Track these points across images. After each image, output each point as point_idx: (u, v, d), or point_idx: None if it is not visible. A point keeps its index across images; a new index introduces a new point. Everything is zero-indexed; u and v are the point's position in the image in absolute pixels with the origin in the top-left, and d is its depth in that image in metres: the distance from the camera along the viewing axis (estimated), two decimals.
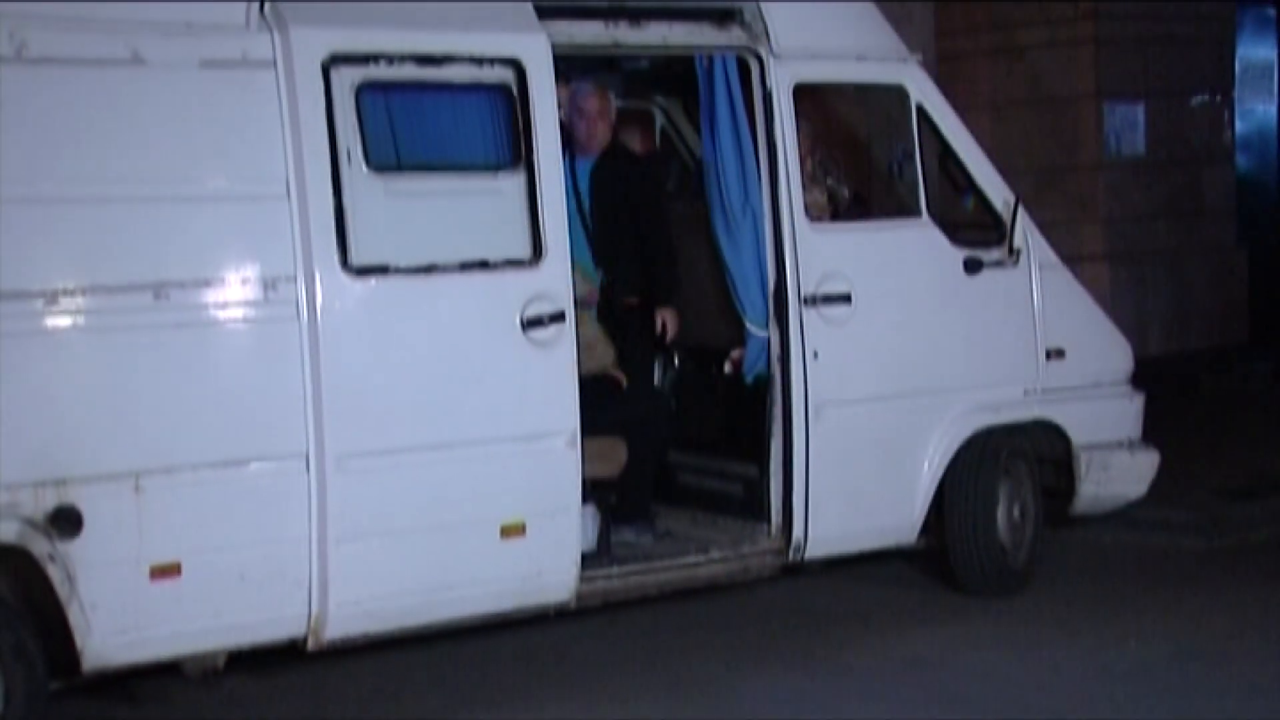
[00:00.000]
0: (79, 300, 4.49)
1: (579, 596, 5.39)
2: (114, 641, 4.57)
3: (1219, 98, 11.54)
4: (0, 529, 4.40)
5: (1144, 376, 6.87)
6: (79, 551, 4.48)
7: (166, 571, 4.61)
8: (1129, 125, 11.00)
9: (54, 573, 4.46)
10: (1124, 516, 6.91)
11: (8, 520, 4.40)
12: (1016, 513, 6.33)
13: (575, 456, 5.26)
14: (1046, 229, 6.58)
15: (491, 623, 5.37)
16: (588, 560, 5.44)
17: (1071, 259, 6.93)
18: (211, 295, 4.71)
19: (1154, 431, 6.77)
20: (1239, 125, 11.82)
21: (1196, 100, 11.40)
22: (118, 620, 4.56)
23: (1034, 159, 10.64)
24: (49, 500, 4.44)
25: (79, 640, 4.53)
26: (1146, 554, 6.98)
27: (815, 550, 5.87)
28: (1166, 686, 5.27)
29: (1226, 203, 11.67)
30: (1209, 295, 11.44)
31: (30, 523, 4.42)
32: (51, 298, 4.46)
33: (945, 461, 6.09)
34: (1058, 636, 5.84)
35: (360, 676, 5.47)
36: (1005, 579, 6.32)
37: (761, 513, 5.87)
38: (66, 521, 4.45)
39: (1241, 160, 11.97)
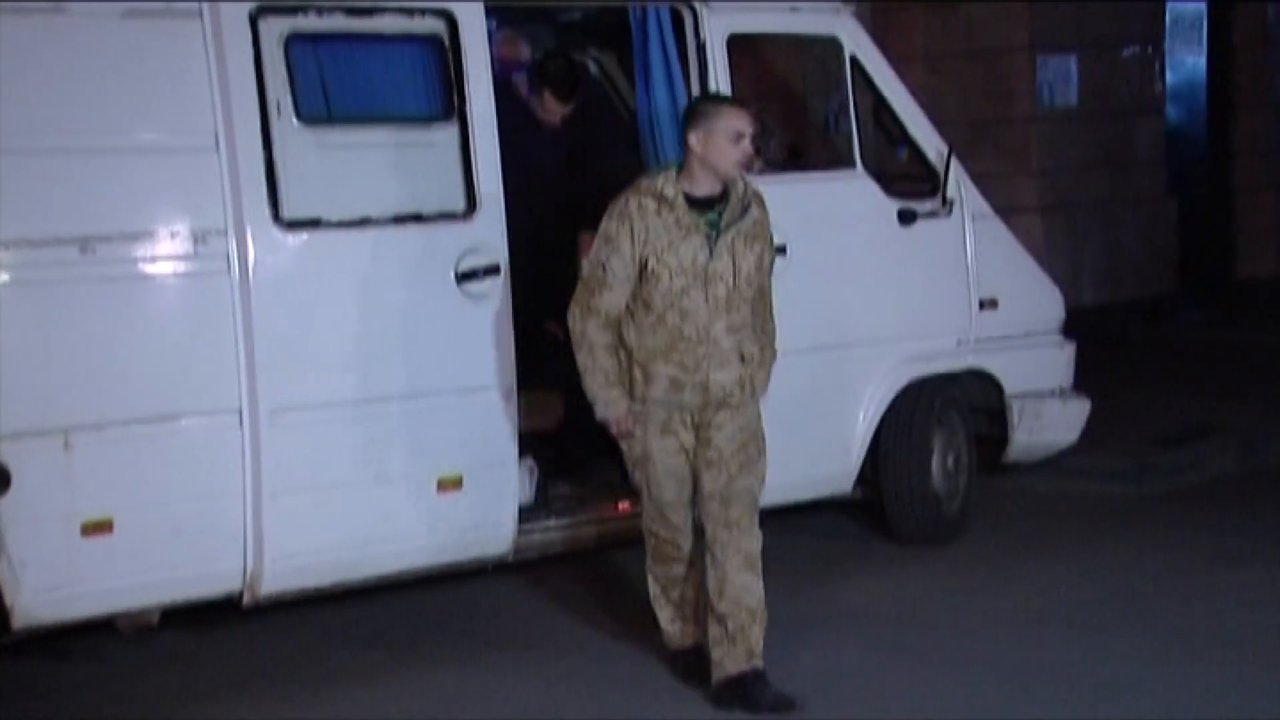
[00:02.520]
0: (3, 255, 4.43)
1: (516, 549, 5.41)
2: (45, 599, 4.54)
3: (1149, 49, 11.63)
4: None
5: (1076, 326, 6.96)
6: (8, 508, 4.44)
7: (98, 528, 4.58)
8: (1062, 77, 11.06)
9: None
10: (1056, 464, 7.01)
11: None
12: (951, 462, 6.41)
13: (512, 410, 5.26)
14: (981, 181, 6.63)
15: (429, 577, 5.39)
16: (525, 513, 5.45)
17: (1005, 210, 6.99)
18: (140, 249, 4.67)
19: (1086, 380, 6.87)
20: (1169, 76, 11.93)
21: (1128, 52, 11.49)
22: (48, 577, 4.53)
23: (968, 111, 10.69)
24: None
25: (8, 598, 4.50)
26: (1078, 500, 7.09)
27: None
28: (1096, 628, 5.37)
29: (1157, 153, 11.78)
30: (1140, 245, 11.57)
31: None
32: None
33: (880, 412, 6.15)
34: (991, 583, 5.93)
35: (297, 632, 5.47)
36: (940, 528, 6.40)
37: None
38: None
39: (1171, 111, 12.09)
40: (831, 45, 6.13)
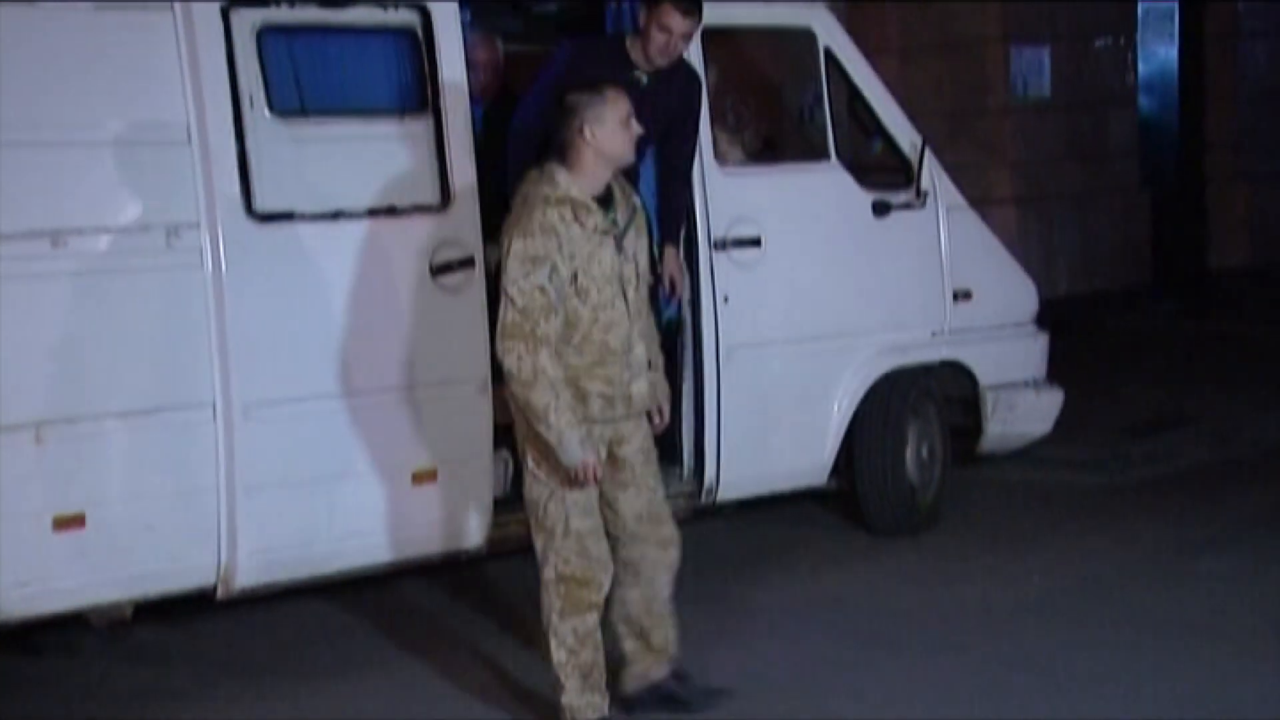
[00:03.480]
0: None
1: (491, 542, 5.39)
2: (17, 594, 4.51)
3: (1122, 40, 11.68)
4: None
5: (1050, 317, 6.98)
6: None
7: (70, 522, 4.55)
8: (1035, 68, 11.10)
9: None
10: (1029, 454, 7.04)
11: None
12: (925, 452, 6.42)
13: (487, 403, 5.24)
14: (955, 172, 6.64)
15: (405, 569, 5.37)
16: (500, 506, 5.43)
17: (980, 202, 7.01)
18: (112, 243, 4.63)
19: (1059, 371, 6.89)
20: (1142, 68, 11.97)
21: (1100, 43, 11.53)
22: (20, 572, 4.49)
23: (943, 102, 10.72)
24: None
25: None
26: (1051, 491, 7.11)
27: (727, 493, 5.92)
28: (1067, 618, 5.39)
29: (1130, 145, 11.83)
30: (1114, 237, 11.62)
31: None
32: None
33: (855, 403, 6.15)
34: (965, 573, 5.95)
35: (271, 626, 5.45)
36: (914, 518, 6.41)
37: (674, 456, 5.88)
38: None
39: (1144, 102, 12.14)
40: (805, 38, 6.12)
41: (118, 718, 4.70)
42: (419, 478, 5.13)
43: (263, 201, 4.81)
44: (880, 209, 6.16)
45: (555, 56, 5.33)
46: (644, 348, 4.37)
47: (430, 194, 5.12)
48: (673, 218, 5.54)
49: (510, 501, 5.57)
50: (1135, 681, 4.79)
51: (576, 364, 4.21)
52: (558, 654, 4.30)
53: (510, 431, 5.42)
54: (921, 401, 6.38)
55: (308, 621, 5.49)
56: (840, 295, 6.08)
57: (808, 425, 6.07)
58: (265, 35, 4.85)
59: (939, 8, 10.97)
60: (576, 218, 4.16)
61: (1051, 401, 6.75)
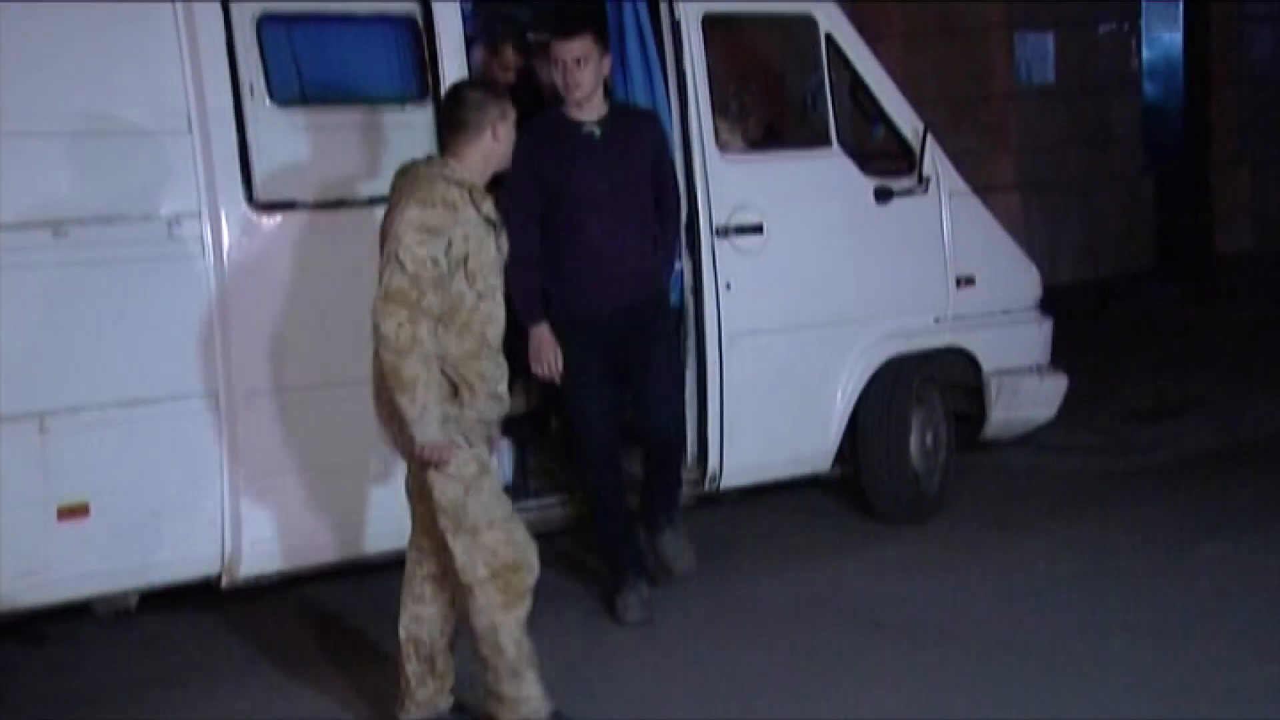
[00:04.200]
0: None
1: None
2: (21, 583, 4.52)
3: (1126, 26, 11.65)
4: None
5: (1054, 303, 6.97)
6: None
7: (74, 512, 4.56)
8: (1039, 54, 11.08)
9: None
10: (1033, 440, 7.02)
11: None
12: (929, 439, 6.40)
13: None
14: (959, 159, 6.62)
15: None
16: (509, 492, 5.42)
17: (984, 188, 6.99)
18: (113, 233, 4.62)
19: (1063, 357, 6.88)
20: (1146, 53, 11.94)
21: (1104, 29, 11.50)
22: (24, 562, 4.50)
23: (946, 89, 10.69)
24: None
25: None
26: (1055, 476, 7.10)
27: (731, 480, 5.91)
28: (1071, 603, 5.38)
29: (1134, 130, 11.81)
30: (1117, 223, 11.60)
31: None
32: None
33: (858, 390, 6.13)
34: (969, 560, 5.94)
35: (275, 616, 5.45)
36: (918, 505, 6.40)
37: None
38: None
39: (1148, 88, 12.11)
40: (807, 24, 6.10)
41: (121, 707, 4.70)
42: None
43: (264, 191, 4.81)
44: (882, 195, 6.15)
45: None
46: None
47: None
48: (668, 249, 5.41)
49: (514, 489, 5.60)
50: (1141, 666, 4.78)
51: (455, 352, 4.06)
52: (510, 650, 4.12)
53: (513, 419, 5.47)
54: (925, 388, 6.36)
55: (312, 610, 5.49)
56: (843, 282, 6.07)
57: (811, 412, 6.06)
58: (265, 24, 4.84)
59: None
60: (472, 200, 4.06)
61: (1055, 387, 6.74)
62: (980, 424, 6.58)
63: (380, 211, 4.96)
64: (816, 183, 6.04)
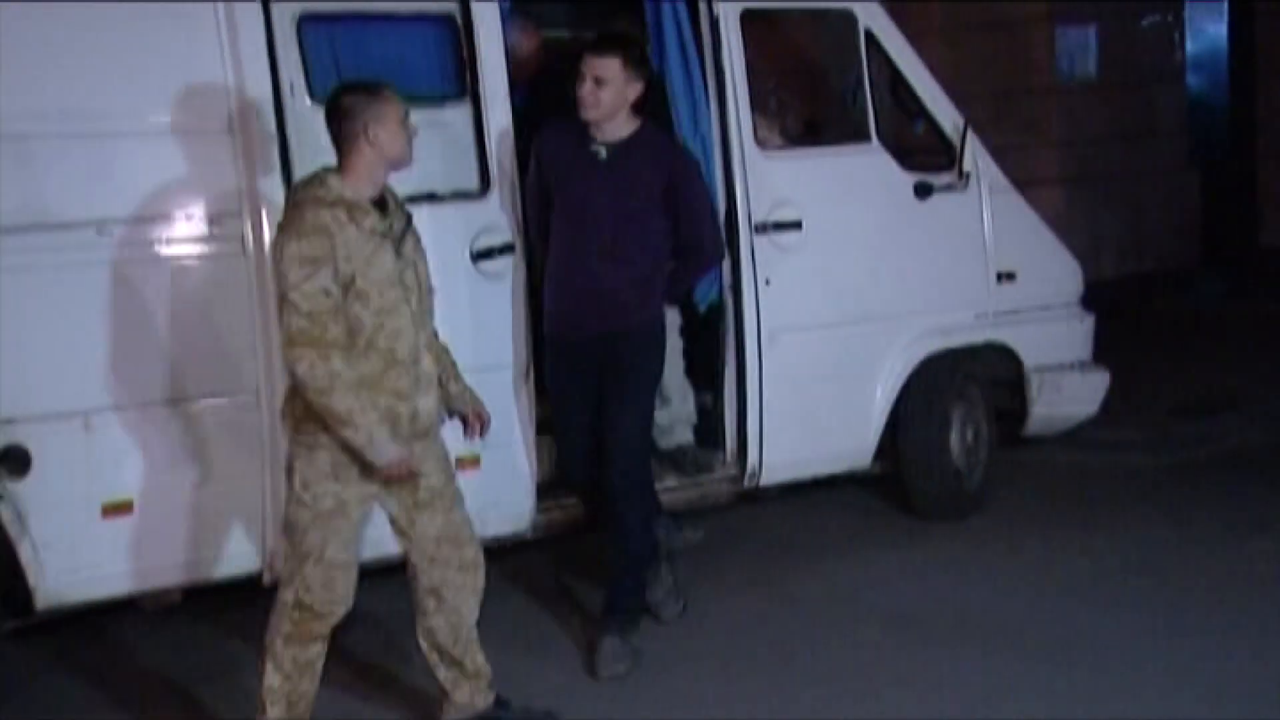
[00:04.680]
0: (21, 238, 4.43)
1: (534, 526, 5.42)
2: (67, 580, 4.57)
3: (1170, 18, 11.54)
4: None
5: (1097, 299, 6.92)
6: (29, 490, 4.47)
7: (119, 509, 4.60)
8: (1081, 48, 10.99)
9: (4, 512, 4.45)
10: (1076, 436, 6.98)
11: None
12: (970, 435, 6.38)
13: (529, 388, 5.26)
14: (1001, 153, 6.58)
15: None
16: (543, 490, 5.45)
17: (1026, 183, 6.94)
18: (155, 231, 4.66)
19: (1107, 353, 6.83)
20: (1190, 45, 11.83)
21: (1148, 21, 11.40)
22: (70, 558, 4.55)
23: (987, 84, 10.63)
24: None
25: (32, 579, 4.53)
26: (1098, 473, 7.05)
27: (770, 477, 5.90)
28: (1117, 601, 5.35)
29: (1178, 123, 11.70)
30: (1161, 217, 11.50)
31: None
32: None
33: (898, 386, 6.12)
34: (1011, 556, 5.91)
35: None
36: (959, 502, 6.38)
37: (716, 440, 5.89)
38: (14, 461, 4.44)
39: (1192, 81, 11.99)
40: (847, 20, 6.08)
41: (165, 702, 4.74)
42: (463, 463, 5.11)
43: None
44: (922, 191, 6.13)
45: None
46: (431, 361, 4.15)
47: (470, 181, 5.13)
48: (674, 285, 5.17)
49: (554, 486, 5.62)
50: (1186, 664, 4.75)
51: (362, 373, 3.97)
52: (271, 678, 4.09)
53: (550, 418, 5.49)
54: (965, 384, 6.34)
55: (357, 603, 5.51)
56: (882, 278, 6.05)
57: (850, 409, 6.05)
58: (305, 24, 4.88)
59: None
60: (352, 218, 3.94)
61: (1098, 382, 6.69)
62: (1022, 420, 6.55)
63: (419, 210, 5.01)
64: (856, 179, 6.02)
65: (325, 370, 3.88)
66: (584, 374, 5.02)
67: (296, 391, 4.01)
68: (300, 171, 4.80)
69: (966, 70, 10.23)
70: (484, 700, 4.41)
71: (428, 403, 4.13)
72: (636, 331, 4.97)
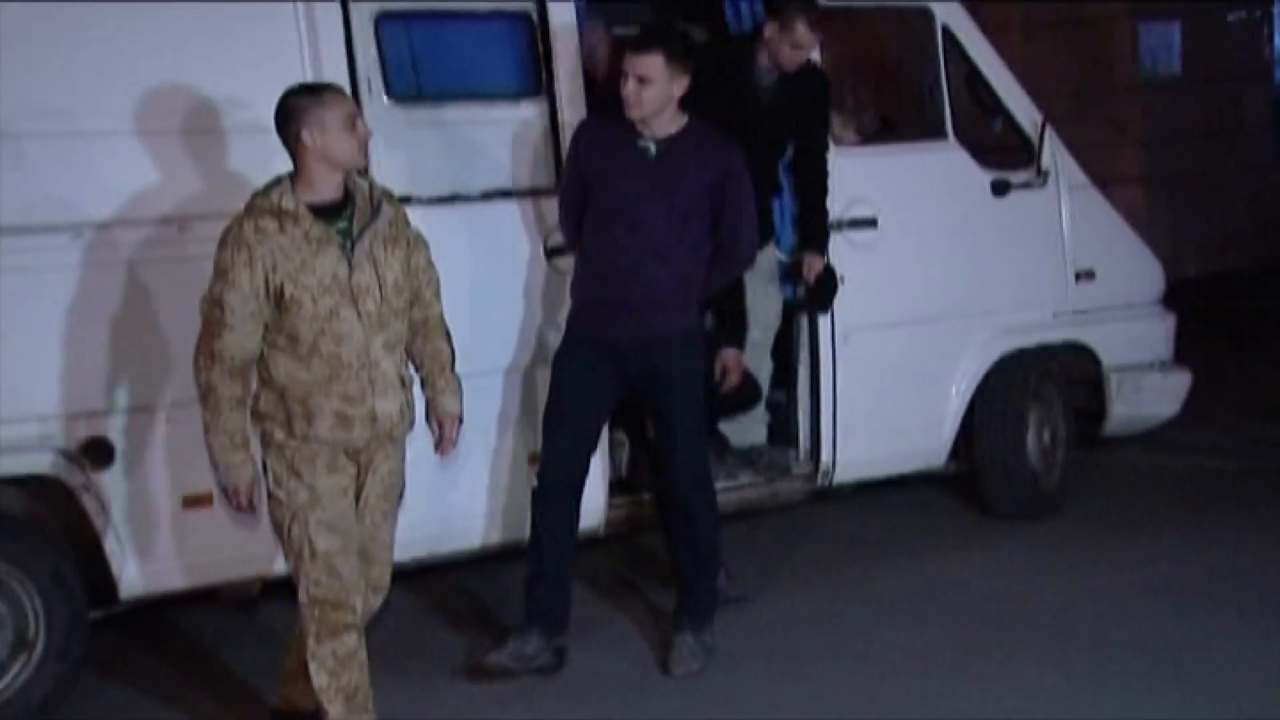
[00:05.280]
0: (108, 234, 4.53)
1: (607, 523, 5.44)
2: (149, 570, 4.66)
3: (1257, 13, 11.35)
4: (35, 460, 4.47)
5: (1179, 299, 6.84)
6: (112, 482, 4.56)
7: (199, 501, 4.67)
8: (1164, 44, 10.84)
9: (88, 503, 4.54)
10: (1156, 438, 6.91)
11: (42, 451, 4.48)
12: (1047, 436, 6.33)
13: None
14: (1081, 151, 6.53)
15: (519, 551, 5.42)
16: (615, 488, 5.47)
17: (1107, 181, 6.88)
18: None
19: (1189, 353, 6.75)
20: (1278, 41, 11.62)
21: (1234, 17, 11.22)
22: (152, 549, 4.64)
23: (1068, 81, 10.49)
24: (81, 432, 4.51)
25: (115, 569, 4.62)
26: (1179, 475, 6.97)
27: (844, 475, 5.89)
28: (1197, 605, 5.28)
29: (1264, 121, 11.49)
30: (1247, 216, 11.30)
31: (64, 454, 4.49)
32: (78, 232, 4.51)
33: (974, 385, 6.08)
34: (1088, 559, 5.86)
35: (393, 603, 5.53)
36: (1036, 502, 6.32)
37: (790, 439, 5.89)
38: (98, 452, 4.53)
39: None
40: (923, 16, 6.06)
41: (242, 691, 4.81)
42: (536, 459, 5.17)
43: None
44: (1000, 188, 6.08)
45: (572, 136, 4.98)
46: (394, 363, 4.09)
47: (545, 177, 5.16)
48: (706, 287, 4.95)
49: (626, 483, 5.64)
50: (1268, 671, 4.68)
51: (306, 379, 3.96)
52: (319, 678, 4.08)
53: (626, 412, 5.51)
54: (1043, 383, 6.28)
55: (436, 596, 5.57)
56: (958, 276, 6.01)
57: (925, 407, 6.02)
58: (383, 22, 4.93)
59: None
60: (282, 228, 3.93)
61: (1179, 383, 6.61)
62: (1101, 420, 6.49)
63: (494, 206, 5.09)
64: (932, 176, 6.00)
65: (204, 379, 3.97)
66: (606, 376, 4.83)
67: (258, 391, 4.04)
68: (376, 168, 4.86)
69: (1046, 68, 10.11)
70: (307, 704, 4.24)
71: (387, 405, 4.07)
72: (677, 337, 4.81)
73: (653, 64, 4.64)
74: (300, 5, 4.80)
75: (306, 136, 3.96)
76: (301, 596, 4.09)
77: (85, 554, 4.61)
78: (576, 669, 4.86)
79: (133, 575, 4.65)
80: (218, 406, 3.96)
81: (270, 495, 4.08)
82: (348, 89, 4.81)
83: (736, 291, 5.29)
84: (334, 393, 3.99)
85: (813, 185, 5.58)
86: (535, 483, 4.88)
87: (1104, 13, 10.74)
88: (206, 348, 3.96)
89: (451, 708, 4.70)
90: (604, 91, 5.69)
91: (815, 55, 5.54)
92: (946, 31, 6.05)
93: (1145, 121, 10.84)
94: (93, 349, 4.49)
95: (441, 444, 4.39)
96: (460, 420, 4.37)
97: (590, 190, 4.80)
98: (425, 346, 4.28)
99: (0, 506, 4.57)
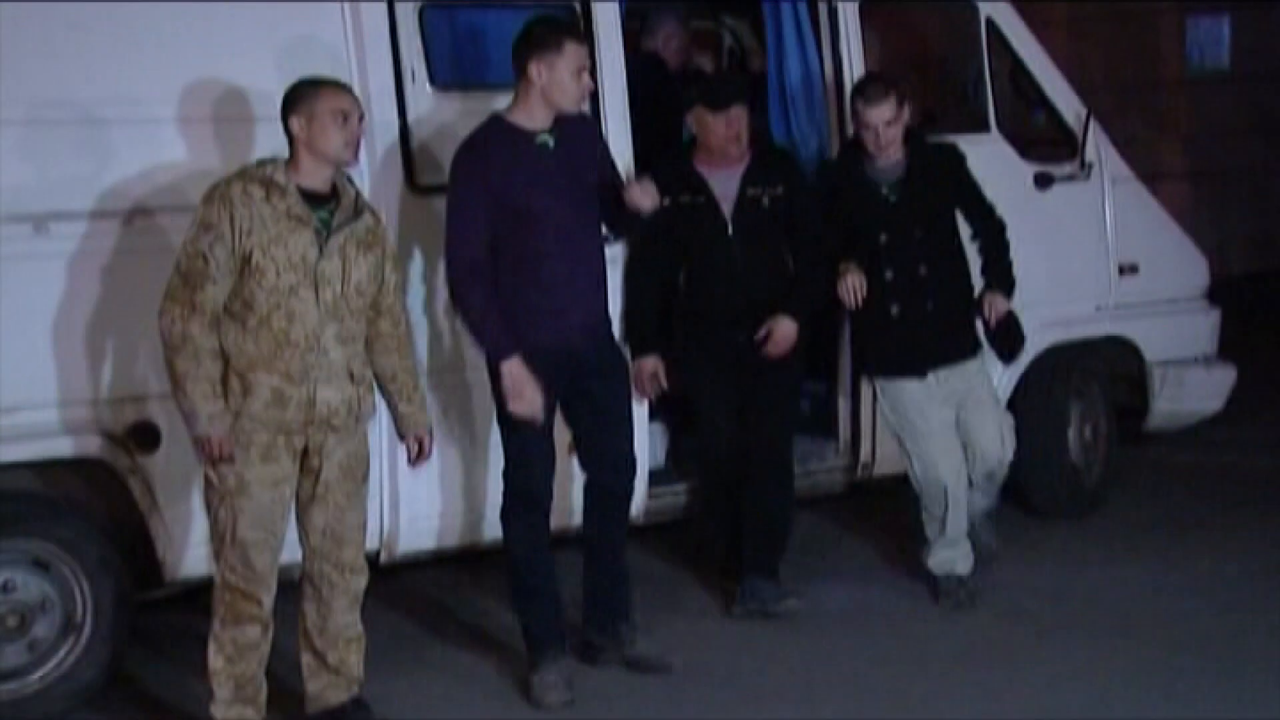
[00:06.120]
0: (152, 221, 4.60)
1: (647, 513, 5.47)
2: (194, 553, 4.71)
3: None
4: (83, 443, 4.56)
5: (1225, 295, 6.80)
6: (158, 465, 4.63)
7: None
8: (1213, 38, 10.77)
9: (135, 486, 4.62)
10: (1200, 435, 6.88)
11: (90, 435, 4.56)
12: (1088, 431, 6.30)
13: (639, 375, 5.30)
14: (1127, 146, 6.52)
15: (561, 539, 5.46)
16: (655, 477, 5.50)
17: (1152, 176, 6.87)
18: None
19: (1233, 349, 6.71)
20: None
21: None
22: (197, 533, 4.69)
23: (1114, 75, 10.47)
24: (128, 416, 4.59)
25: (161, 552, 4.69)
26: (1221, 472, 6.93)
27: (883, 467, 5.90)
28: (1239, 603, 5.27)
29: None
30: None
31: (111, 438, 4.57)
32: (127, 219, 4.59)
33: (1014, 379, 6.07)
34: (1130, 555, 5.85)
35: (432, 584, 5.59)
36: (1077, 498, 6.31)
37: (830, 430, 5.91)
38: (145, 436, 4.60)
39: None
40: (967, 9, 6.06)
41: (286, 678, 4.87)
42: (573, 449, 5.21)
43: (424, 174, 4.94)
44: (1043, 181, 6.08)
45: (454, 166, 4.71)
46: (345, 355, 4.17)
47: None
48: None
49: (666, 472, 5.67)
50: None
51: (252, 351, 4.07)
52: (214, 660, 4.18)
53: (665, 402, 5.54)
54: (1084, 378, 6.27)
55: (475, 583, 5.61)
56: None
57: None
58: (427, 12, 4.99)
59: None
60: (268, 198, 4.06)
61: (1223, 378, 6.58)
62: (1143, 416, 6.46)
63: None
64: (975, 168, 5.96)
65: (182, 330, 4.02)
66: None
67: None
68: (419, 156, 4.93)
69: (1092, 61, 10.10)
70: (337, 697, 4.41)
71: (329, 394, 4.15)
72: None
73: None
74: None
75: (295, 124, 4.12)
76: (217, 579, 4.19)
77: (132, 537, 4.69)
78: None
79: (177, 558, 4.72)
80: (198, 355, 4.03)
81: (205, 477, 4.16)
82: (392, 78, 4.89)
83: None
84: (275, 369, 4.08)
85: (992, 236, 5.49)
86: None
87: (1151, 7, 10.70)
88: (186, 298, 4.03)
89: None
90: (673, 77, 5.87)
91: (854, 30, 5.64)
92: (991, 25, 6.05)
93: (1192, 117, 10.78)
94: (140, 335, 4.56)
95: (420, 458, 4.50)
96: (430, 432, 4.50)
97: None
98: (400, 362, 4.40)
99: (48, 490, 4.66)
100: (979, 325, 5.42)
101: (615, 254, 5.14)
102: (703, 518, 5.60)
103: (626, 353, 5.10)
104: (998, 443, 5.42)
